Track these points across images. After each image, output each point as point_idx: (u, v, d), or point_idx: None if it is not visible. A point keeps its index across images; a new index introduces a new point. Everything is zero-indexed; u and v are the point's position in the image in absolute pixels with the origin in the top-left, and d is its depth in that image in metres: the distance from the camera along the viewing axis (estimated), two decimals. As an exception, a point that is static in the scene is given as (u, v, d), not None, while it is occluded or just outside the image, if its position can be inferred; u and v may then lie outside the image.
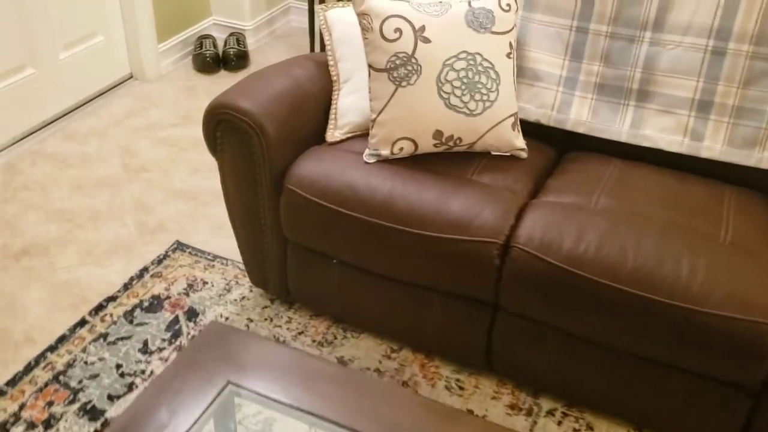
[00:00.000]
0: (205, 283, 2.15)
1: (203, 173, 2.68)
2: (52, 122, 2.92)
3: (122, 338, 1.95)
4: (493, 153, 1.86)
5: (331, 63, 2.02)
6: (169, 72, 3.40)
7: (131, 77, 3.31)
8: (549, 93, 1.94)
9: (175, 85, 3.29)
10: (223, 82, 3.35)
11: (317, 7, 2.07)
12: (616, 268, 1.55)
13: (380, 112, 1.77)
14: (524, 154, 1.87)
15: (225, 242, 2.34)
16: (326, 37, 2.04)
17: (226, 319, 2.03)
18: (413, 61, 1.71)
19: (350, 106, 1.94)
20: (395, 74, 1.73)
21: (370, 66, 1.77)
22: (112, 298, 2.08)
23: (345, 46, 1.98)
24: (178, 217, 2.45)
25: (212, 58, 3.41)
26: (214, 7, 3.64)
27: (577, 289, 1.57)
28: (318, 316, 2.05)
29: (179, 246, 2.30)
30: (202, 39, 3.48)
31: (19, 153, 2.73)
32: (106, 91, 3.18)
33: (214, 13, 3.66)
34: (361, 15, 1.75)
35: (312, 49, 3.58)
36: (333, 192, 1.75)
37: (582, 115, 1.93)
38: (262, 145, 1.79)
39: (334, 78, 2.01)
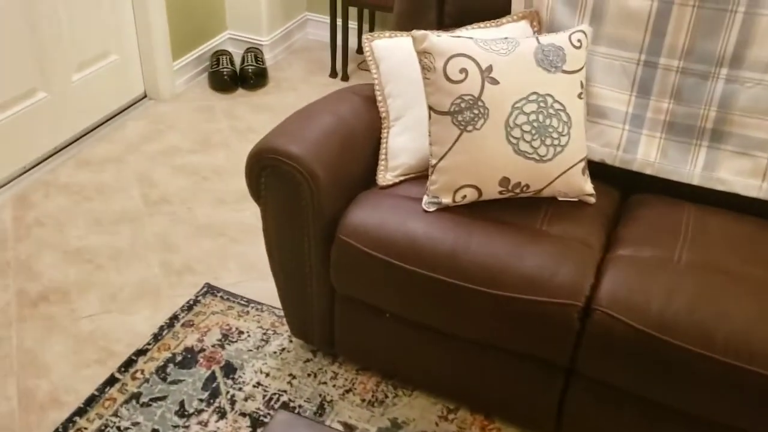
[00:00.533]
0: (240, 332, 2.00)
1: (228, 206, 2.53)
2: (63, 148, 2.76)
3: (156, 399, 1.80)
4: (560, 198, 1.72)
5: (379, 99, 1.88)
6: (184, 91, 3.24)
7: (145, 97, 3.15)
8: (614, 131, 1.81)
9: (192, 106, 3.13)
10: (241, 102, 3.19)
11: (363, 37, 1.92)
12: (709, 334, 1.41)
13: (442, 158, 1.62)
14: (592, 200, 1.74)
15: (257, 285, 2.19)
16: (373, 70, 1.89)
17: (267, 375, 1.88)
18: (480, 104, 1.56)
19: (403, 146, 1.79)
20: (460, 118, 1.58)
21: (431, 108, 1.63)
22: (141, 352, 1.93)
23: (395, 81, 1.84)
24: (206, 257, 2.29)
25: (230, 76, 3.26)
26: (230, 20, 3.48)
27: (665, 356, 1.44)
28: (364, 370, 1.91)
29: (209, 290, 2.15)
30: (218, 56, 3.33)
31: (30, 183, 2.57)
32: (118, 113, 3.02)
33: (229, 27, 3.50)
34: (423, 53, 1.60)
35: (333, 66, 3.44)
36: (390, 244, 1.61)
37: (650, 155, 1.79)
38: (313, 193, 1.64)
39: (383, 115, 1.87)
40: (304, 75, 3.47)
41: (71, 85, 2.72)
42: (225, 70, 3.26)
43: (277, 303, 2.10)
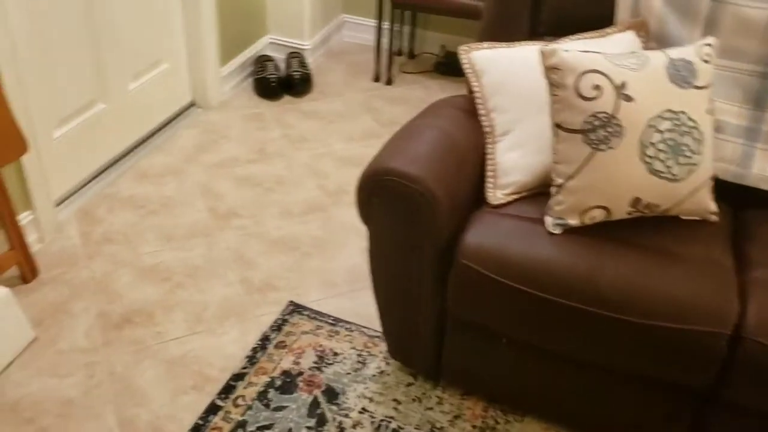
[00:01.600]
0: (335, 354, 1.94)
1: (296, 218, 2.47)
2: (119, 160, 2.68)
3: (263, 427, 1.74)
4: (683, 217, 1.68)
5: (482, 112, 1.82)
6: (230, 98, 3.17)
7: (193, 105, 3.07)
8: (728, 145, 1.77)
9: (241, 114, 3.06)
10: (289, 108, 3.12)
11: (460, 49, 1.87)
12: None
13: (571, 178, 1.57)
14: (715, 218, 1.70)
15: (340, 302, 2.13)
16: (473, 83, 1.84)
17: (371, 400, 1.83)
18: (615, 122, 1.52)
19: (514, 163, 1.74)
20: (593, 136, 1.53)
21: (558, 126, 1.58)
22: (239, 376, 1.86)
23: (501, 94, 1.78)
24: (284, 272, 2.23)
25: (277, 83, 3.18)
26: (272, 25, 3.40)
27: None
28: (469, 395, 1.86)
29: (295, 308, 2.09)
30: (264, 61, 3.25)
31: (91, 197, 2.49)
32: (168, 122, 2.93)
33: (271, 32, 3.43)
34: (551, 69, 1.55)
35: (377, 70, 3.37)
36: (517, 268, 1.56)
37: (766, 170, 1.75)
38: (433, 214, 1.58)
39: (487, 130, 1.82)
40: (347, 79, 3.40)
41: (128, 94, 2.64)
42: (272, 76, 3.19)
43: (366, 321, 2.06)
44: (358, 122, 3.06)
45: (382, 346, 1.98)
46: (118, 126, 2.62)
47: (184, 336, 1.99)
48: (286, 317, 2.06)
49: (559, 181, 1.60)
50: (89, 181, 2.54)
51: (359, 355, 1.95)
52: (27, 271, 2.10)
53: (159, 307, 2.07)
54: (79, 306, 2.05)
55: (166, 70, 2.84)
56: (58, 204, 2.39)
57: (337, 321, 2.06)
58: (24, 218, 2.16)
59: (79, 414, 1.75)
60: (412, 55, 3.63)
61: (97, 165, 2.57)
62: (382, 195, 1.62)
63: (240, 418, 1.75)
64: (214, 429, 1.73)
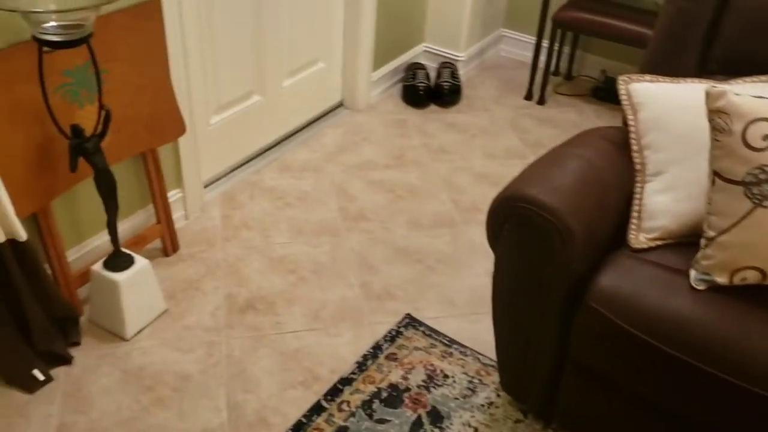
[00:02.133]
0: (446, 376, 1.90)
1: (425, 230, 2.45)
2: (267, 151, 2.78)
3: (363, 436, 1.74)
4: None
5: (634, 148, 1.72)
6: (378, 102, 3.21)
7: (341, 105, 3.14)
8: None
9: (385, 118, 3.08)
10: (434, 118, 3.11)
11: (620, 78, 1.77)
12: None
13: (724, 232, 1.44)
14: None
15: (458, 323, 2.09)
16: (629, 116, 1.74)
17: (476, 430, 1.77)
18: (784, 178, 1.37)
19: (663, 207, 1.62)
20: (756, 190, 1.39)
21: (717, 174, 1.45)
22: (347, 381, 1.87)
23: (658, 132, 1.67)
24: (404, 283, 2.22)
25: (425, 91, 3.19)
26: (428, 33, 3.41)
27: None
28: (581, 440, 1.76)
29: (411, 321, 2.07)
30: (415, 69, 3.26)
31: (236, 183, 2.60)
32: (315, 120, 3.01)
33: (426, 40, 3.43)
34: (717, 113, 1.43)
35: (530, 89, 3.29)
36: (650, 321, 1.45)
37: None
38: (565, 249, 1.51)
39: (638, 167, 1.71)
40: (497, 94, 3.34)
41: (281, 89, 2.74)
42: (421, 84, 3.19)
43: (481, 348, 2.00)
44: (502, 139, 3.00)
45: (495, 376, 1.92)
46: (270, 119, 2.73)
47: (300, 330, 2.03)
48: (401, 329, 2.04)
49: (711, 233, 1.47)
50: (236, 168, 2.66)
51: (470, 382, 1.90)
52: (169, 246, 2.23)
53: (281, 298, 2.13)
54: (210, 285, 2.15)
55: (321, 69, 2.92)
56: (206, 186, 2.52)
57: (452, 342, 2.02)
58: (173, 196, 2.29)
59: (194, 390, 1.83)
60: (569, 77, 3.51)
61: (246, 153, 2.68)
62: (514, 222, 1.57)
63: (342, 423, 1.76)
64: (316, 429, 1.74)
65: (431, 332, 2.04)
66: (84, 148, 1.72)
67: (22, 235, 1.69)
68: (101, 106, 1.71)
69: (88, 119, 1.83)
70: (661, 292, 1.48)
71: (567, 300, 1.57)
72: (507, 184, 1.60)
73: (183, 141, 2.24)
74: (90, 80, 1.81)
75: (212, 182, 2.56)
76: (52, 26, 1.54)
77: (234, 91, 2.50)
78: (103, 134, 1.75)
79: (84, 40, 1.56)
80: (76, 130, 1.73)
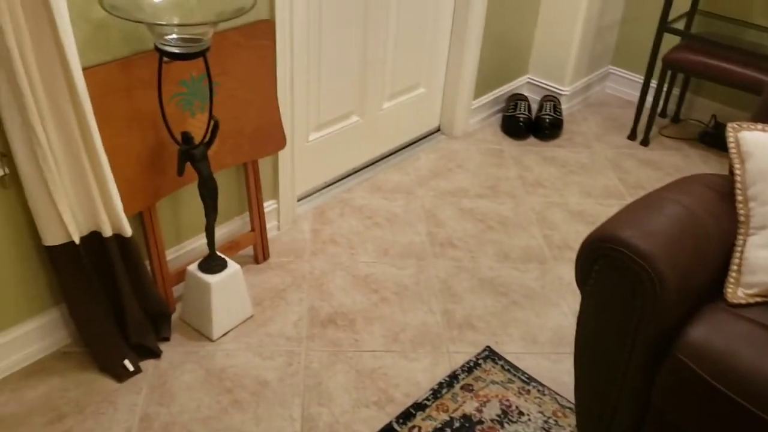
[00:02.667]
0: (521, 413, 1.86)
1: (512, 263, 2.42)
2: (360, 170, 2.84)
3: (431, 464, 1.73)
4: None
5: (739, 199, 1.64)
6: (476, 130, 3.21)
7: (438, 131, 3.16)
8: None
9: (482, 147, 3.08)
10: (532, 150, 3.09)
11: (729, 126, 1.70)
12: None
13: (832, 296, 1.36)
14: None
15: (538, 361, 2.05)
16: (736, 165, 1.67)
17: (547, 470, 1.73)
18: None
19: (765, 263, 1.54)
20: None
21: (829, 234, 1.37)
22: (420, 406, 1.87)
23: (765, 183, 1.59)
24: (487, 315, 2.20)
25: (525, 123, 3.16)
26: (533, 65, 3.39)
27: None
28: (657, 497, 1.68)
29: (490, 355, 2.05)
30: (516, 100, 3.25)
31: (328, 199, 2.67)
32: (411, 143, 3.05)
33: (530, 72, 3.42)
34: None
35: (634, 127, 3.21)
36: (743, 380, 1.38)
37: None
38: (656, 297, 1.46)
39: (741, 219, 1.63)
40: (599, 132, 3.28)
41: (380, 112, 2.79)
42: (521, 116, 3.18)
43: (560, 388, 1.96)
44: (600, 178, 2.94)
45: (572, 419, 1.87)
46: (366, 139, 2.78)
47: (379, 351, 2.04)
48: (480, 361, 2.02)
49: (818, 296, 1.39)
50: (330, 185, 2.73)
51: (545, 422, 1.85)
52: (260, 254, 2.31)
53: (362, 316, 2.15)
54: (295, 296, 2.21)
55: (421, 94, 2.95)
56: (299, 199, 2.59)
57: (530, 379, 1.98)
58: (268, 206, 2.37)
59: (270, 397, 1.88)
60: (676, 119, 3.40)
61: (340, 171, 2.75)
62: (604, 263, 1.53)
63: (410, 448, 1.76)
64: (384, 450, 1.75)
65: (510, 367, 2.01)
66: (191, 155, 1.82)
67: (128, 231, 1.79)
68: (211, 117, 1.80)
69: (197, 128, 1.93)
70: (756, 351, 1.41)
71: (654, 349, 1.52)
72: (600, 224, 1.57)
73: (282, 155, 2.32)
74: (203, 91, 1.91)
75: (305, 196, 2.63)
76: (173, 38, 1.64)
77: (334, 111, 2.57)
78: (210, 143, 1.84)
79: (201, 54, 1.65)
80: (186, 137, 1.82)
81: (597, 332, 1.62)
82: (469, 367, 2.00)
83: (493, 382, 1.96)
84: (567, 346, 2.11)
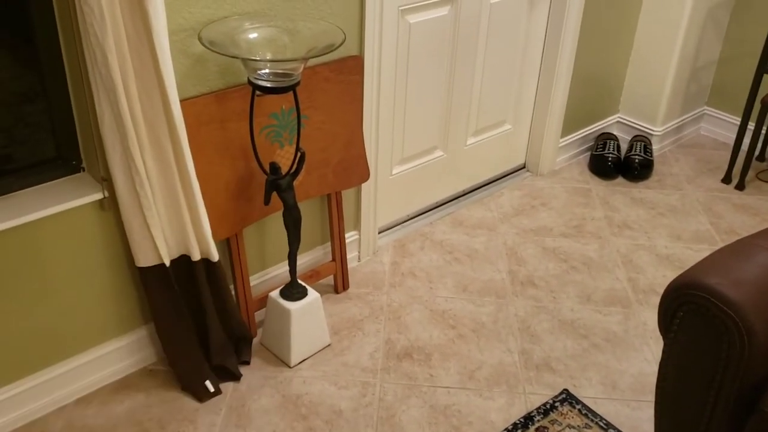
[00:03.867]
0: (598, 461, 1.80)
1: (595, 305, 2.36)
2: (442, 205, 2.85)
3: (501, 507, 1.68)
4: None
5: (841, 248, 1.55)
6: (562, 168, 3.17)
7: (523, 168, 3.14)
8: None
9: (568, 186, 3.03)
10: (620, 191, 3.01)
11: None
12: None
13: None
14: None
15: (618, 408, 1.97)
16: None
17: None
18: None
19: None
20: None
21: None
22: (492, 446, 1.84)
23: None
24: (566, 357, 2.15)
25: (614, 163, 3.10)
26: (624, 104, 3.33)
27: None
28: None
29: (568, 398, 1.99)
30: (606, 140, 3.19)
31: (409, 232, 2.69)
32: (496, 180, 3.04)
33: (621, 111, 3.35)
34: None
35: (729, 172, 3.08)
36: (840, 443, 1.28)
37: None
38: (743, 349, 1.38)
39: (843, 270, 1.53)
40: (692, 174, 3.17)
41: (464, 148, 2.80)
42: (610, 155, 3.11)
43: (642, 438, 1.88)
44: (691, 222, 2.83)
45: (651, 471, 1.79)
46: (449, 174, 2.80)
47: (453, 387, 2.03)
48: (556, 404, 1.97)
49: None
50: (411, 218, 2.75)
51: (622, 471, 1.78)
52: (339, 284, 2.34)
53: (438, 352, 2.14)
54: (372, 327, 2.22)
55: (507, 131, 2.95)
56: (380, 231, 2.63)
57: (608, 426, 1.91)
58: (349, 237, 2.42)
59: (344, 426, 1.89)
60: (774, 163, 3.26)
61: (422, 205, 2.77)
62: (688, 311, 1.47)
63: (481, 488, 1.73)
64: (453, 489, 1.72)
65: (588, 412, 1.95)
66: (278, 184, 1.88)
67: (215, 255, 1.87)
68: (298, 148, 1.86)
69: (285, 159, 2.00)
70: None
71: (740, 402, 1.44)
72: (686, 270, 1.51)
73: (365, 187, 2.36)
74: (291, 124, 1.99)
75: (387, 229, 2.66)
76: (265, 73, 1.72)
77: (418, 145, 2.61)
78: (296, 173, 1.90)
79: (292, 88, 1.72)
80: (274, 168, 1.89)
81: (679, 382, 1.55)
82: (546, 410, 1.95)
83: (570, 426, 1.90)
84: (648, 394, 2.03)
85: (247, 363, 2.07)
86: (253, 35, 1.75)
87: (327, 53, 1.70)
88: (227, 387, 2.00)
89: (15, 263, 1.69)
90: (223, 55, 1.65)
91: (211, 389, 1.95)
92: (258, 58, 1.70)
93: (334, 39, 1.72)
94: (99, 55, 1.52)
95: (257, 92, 1.75)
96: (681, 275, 1.51)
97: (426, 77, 2.48)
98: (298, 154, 1.87)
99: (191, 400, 1.95)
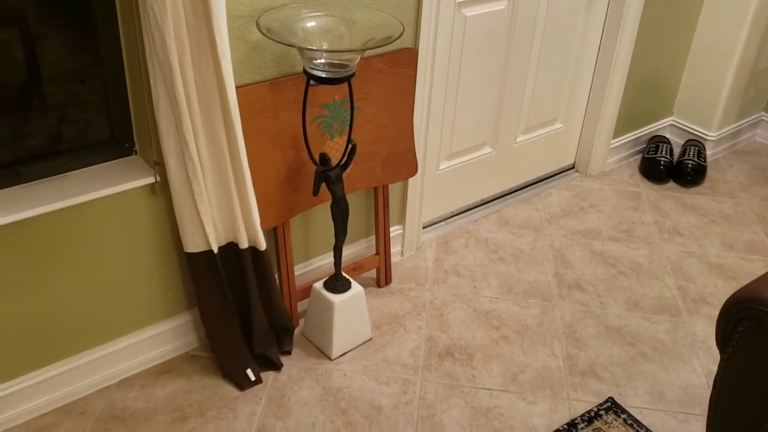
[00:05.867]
0: (644, 474, 1.75)
1: (643, 313, 2.30)
2: (488, 202, 2.80)
3: None
4: None
5: None
6: (613, 170, 3.10)
7: (572, 168, 3.08)
8: None
9: (618, 188, 2.96)
10: (671, 195, 2.93)
11: None
12: None
13: None
14: None
15: (664, 419, 1.92)
16: None
17: None
18: None
19: None
20: None
21: None
22: (534, 452, 1.80)
23: None
24: (612, 365, 2.09)
25: (666, 167, 3.02)
26: (678, 107, 3.24)
27: None
28: None
29: (613, 406, 1.94)
30: (658, 142, 3.11)
31: (453, 229, 2.65)
32: (543, 179, 2.98)
33: (675, 114, 3.26)
34: None
35: (788, 181, 2.98)
36: None
37: None
38: (810, 368, 1.32)
39: None
40: (746, 182, 3.07)
41: (514, 145, 2.75)
42: (662, 159, 3.03)
43: (690, 453, 1.82)
44: (744, 231, 2.74)
45: (699, 488, 1.73)
46: (497, 172, 2.75)
47: (496, 389, 1.99)
48: (601, 412, 1.93)
49: None
50: (456, 215, 2.71)
51: (669, 486, 1.73)
52: (382, 278, 2.32)
53: (481, 352, 2.11)
54: (413, 323, 2.20)
55: (558, 130, 2.89)
56: (424, 227, 2.59)
57: (654, 437, 1.86)
58: (393, 231, 2.39)
59: (383, 423, 1.87)
60: (835, 173, 3.14)
61: (467, 202, 2.73)
62: (749, 326, 1.42)
63: (522, 495, 1.69)
64: (494, 493, 1.69)
65: (633, 422, 1.90)
66: (327, 176, 1.86)
67: (263, 244, 1.86)
68: (349, 140, 1.84)
69: (335, 150, 1.98)
70: None
71: (804, 425, 1.38)
72: (747, 283, 1.45)
73: (411, 181, 2.33)
74: (343, 115, 1.96)
75: (431, 224, 2.63)
76: (321, 63, 1.70)
77: (467, 141, 2.56)
78: (346, 165, 1.88)
79: (347, 79, 1.70)
80: (324, 159, 1.87)
81: (735, 398, 1.49)
82: (590, 417, 1.91)
83: (615, 437, 1.86)
84: (697, 407, 1.97)
85: (289, 353, 2.06)
86: (310, 24, 1.73)
87: (384, 45, 1.67)
88: (268, 376, 1.99)
89: (65, 243, 1.71)
90: (280, 43, 1.63)
91: (252, 378, 1.95)
92: (315, 48, 1.68)
93: (392, 31, 1.69)
94: (158, 38, 1.51)
95: (311, 82, 1.73)
96: (742, 289, 1.45)
97: (479, 72, 2.43)
98: (350, 146, 1.84)
99: (232, 388, 1.95)
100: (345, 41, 1.72)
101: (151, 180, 1.75)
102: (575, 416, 1.91)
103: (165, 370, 1.99)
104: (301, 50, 1.67)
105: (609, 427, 1.88)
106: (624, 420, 1.91)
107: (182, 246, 1.82)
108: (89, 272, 1.78)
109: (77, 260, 1.74)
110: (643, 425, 1.90)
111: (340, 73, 1.70)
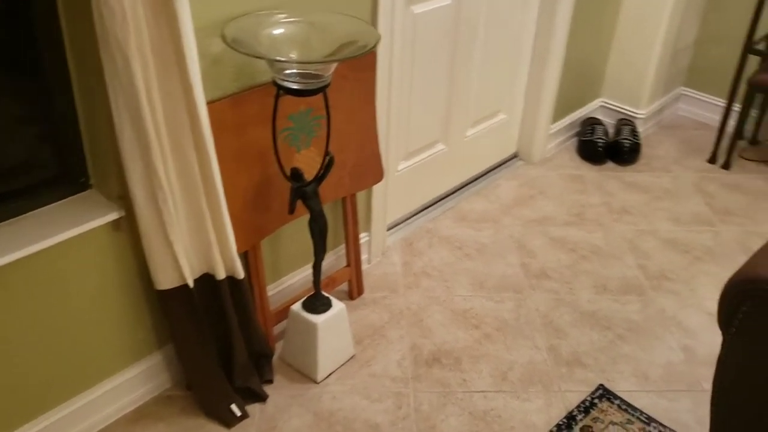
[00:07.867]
0: (649, 458, 1.77)
1: (612, 295, 2.34)
2: (442, 199, 2.77)
3: None
4: None
5: None
6: (553, 155, 3.14)
7: (515, 157, 3.10)
8: None
9: (561, 173, 3.01)
10: (612, 176, 3.01)
11: None
12: None
13: None
14: None
15: (654, 400, 1.95)
16: None
17: None
18: None
19: None
20: None
21: None
22: (541, 451, 1.79)
23: None
24: (594, 351, 2.11)
25: (604, 148, 3.09)
26: (606, 88, 3.32)
27: None
28: None
29: (605, 393, 1.96)
30: (593, 124, 3.17)
31: (414, 230, 2.60)
32: (491, 170, 2.98)
33: (604, 95, 3.34)
34: None
35: (715, 152, 3.11)
36: None
37: None
38: (818, 341, 1.36)
39: None
40: (677, 155, 3.19)
41: (464, 140, 2.73)
42: (600, 140, 3.10)
43: (682, 429, 1.86)
44: (687, 204, 2.84)
45: (702, 464, 1.77)
46: (450, 167, 2.72)
47: (489, 391, 1.96)
48: (595, 401, 1.94)
49: None
50: (415, 214, 2.66)
51: (673, 466, 1.76)
52: (354, 289, 2.24)
53: (466, 354, 2.08)
54: (394, 333, 2.14)
55: (502, 121, 2.89)
56: (387, 230, 2.53)
57: (650, 420, 1.89)
58: (360, 239, 2.31)
59: (385, 442, 1.80)
60: (754, 141, 3.31)
61: (425, 200, 2.69)
62: (752, 305, 1.44)
63: (539, 497, 1.67)
64: (511, 500, 1.66)
65: (627, 407, 1.92)
66: (304, 192, 1.76)
67: (240, 272, 1.74)
68: (327, 152, 1.75)
69: (303, 163, 1.88)
70: None
71: (813, 396, 1.42)
72: (747, 260, 1.48)
73: (376, 187, 2.26)
74: (308, 126, 1.86)
75: (392, 227, 2.57)
76: (291, 73, 1.60)
77: (422, 140, 2.52)
78: (322, 179, 1.78)
79: (322, 90, 1.60)
80: (296, 174, 1.77)
81: (742, 378, 1.52)
82: (586, 408, 1.91)
83: (613, 423, 1.87)
84: (681, 383, 2.01)
85: (271, 381, 1.96)
86: (276, 31, 1.62)
87: (361, 55, 1.58)
88: (254, 409, 1.88)
89: (22, 297, 1.53)
90: (249, 55, 1.51)
91: (238, 413, 1.83)
92: (287, 59, 1.57)
93: (364, 37, 1.61)
94: (120, 61, 1.37)
95: (281, 93, 1.63)
96: (741, 269, 1.47)
97: (429, 71, 2.39)
98: (327, 159, 1.75)
99: (218, 427, 1.83)
100: (315, 48, 1.63)
101: (113, 216, 1.60)
102: (571, 408, 1.92)
103: (141, 415, 1.85)
104: (270, 61, 1.56)
105: (606, 415, 1.90)
106: (618, 406, 1.92)
107: (151, 283, 1.68)
108: (52, 323, 1.61)
109: (37, 313, 1.57)
110: (637, 409, 1.92)
111: (313, 84, 1.60)
